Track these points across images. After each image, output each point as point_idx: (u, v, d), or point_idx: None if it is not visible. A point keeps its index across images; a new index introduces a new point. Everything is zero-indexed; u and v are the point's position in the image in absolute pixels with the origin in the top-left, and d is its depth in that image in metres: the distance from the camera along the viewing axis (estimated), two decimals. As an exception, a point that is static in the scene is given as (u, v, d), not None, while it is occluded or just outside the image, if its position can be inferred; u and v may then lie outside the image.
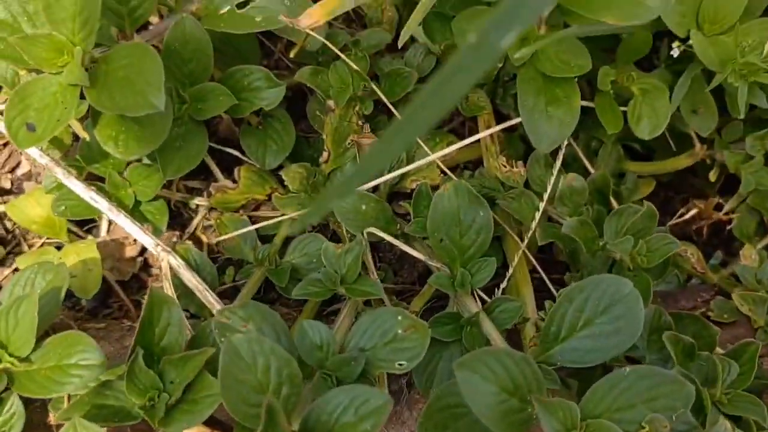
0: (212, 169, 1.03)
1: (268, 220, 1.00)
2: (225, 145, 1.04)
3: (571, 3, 0.78)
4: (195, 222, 1.05)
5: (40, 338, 0.72)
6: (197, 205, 1.05)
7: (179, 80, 0.89)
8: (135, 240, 1.03)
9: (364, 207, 0.90)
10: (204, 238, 1.05)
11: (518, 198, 0.91)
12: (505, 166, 0.96)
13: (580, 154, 1.00)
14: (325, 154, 1.01)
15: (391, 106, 0.94)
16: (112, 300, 1.03)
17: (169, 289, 0.82)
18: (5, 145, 1.08)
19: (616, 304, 0.70)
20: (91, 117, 0.83)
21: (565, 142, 0.91)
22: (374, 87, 0.93)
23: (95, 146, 0.91)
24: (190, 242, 0.92)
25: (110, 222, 1.04)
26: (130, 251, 1.03)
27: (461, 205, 0.82)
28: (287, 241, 1.02)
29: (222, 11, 0.89)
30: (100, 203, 0.86)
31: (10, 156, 1.09)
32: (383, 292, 0.85)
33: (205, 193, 1.06)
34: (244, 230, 0.93)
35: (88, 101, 0.77)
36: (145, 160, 0.94)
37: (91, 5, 0.76)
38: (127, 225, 0.85)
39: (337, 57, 0.95)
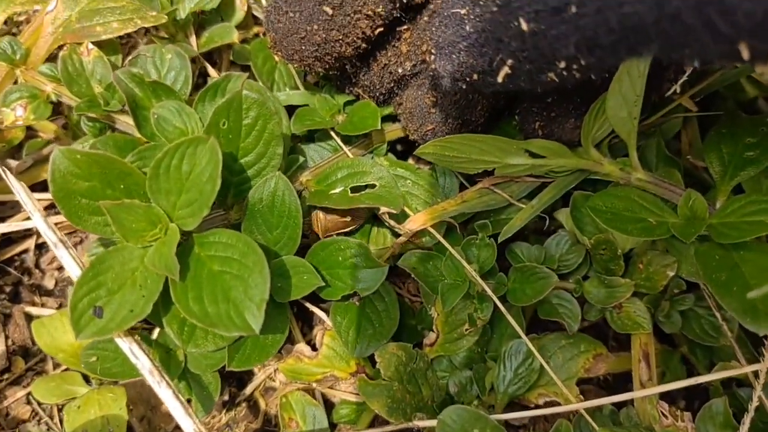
0: (290, 324, 0.82)
1: (345, 405, 0.78)
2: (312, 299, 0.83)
3: None
4: (256, 382, 0.83)
5: None
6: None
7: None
8: (178, 389, 0.83)
9: (476, 433, 0.67)
10: (262, 403, 0.83)
11: (687, 471, 0.65)
12: (665, 415, 0.70)
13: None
14: (432, 336, 0.79)
15: (510, 318, 0.71)
16: (133, 457, 0.82)
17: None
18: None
19: None
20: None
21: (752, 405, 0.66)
22: (490, 293, 0.71)
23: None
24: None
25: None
26: (169, 404, 0.82)
27: (623, 486, 0.58)
28: (364, 437, 0.80)
29: (333, 191, 0.72)
30: (141, 361, 0.65)
31: (62, 251, 0.92)
32: None
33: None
34: (315, 430, 0.71)
35: (172, 296, 0.59)
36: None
37: (206, 186, 0.59)
38: (167, 398, 0.64)
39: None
